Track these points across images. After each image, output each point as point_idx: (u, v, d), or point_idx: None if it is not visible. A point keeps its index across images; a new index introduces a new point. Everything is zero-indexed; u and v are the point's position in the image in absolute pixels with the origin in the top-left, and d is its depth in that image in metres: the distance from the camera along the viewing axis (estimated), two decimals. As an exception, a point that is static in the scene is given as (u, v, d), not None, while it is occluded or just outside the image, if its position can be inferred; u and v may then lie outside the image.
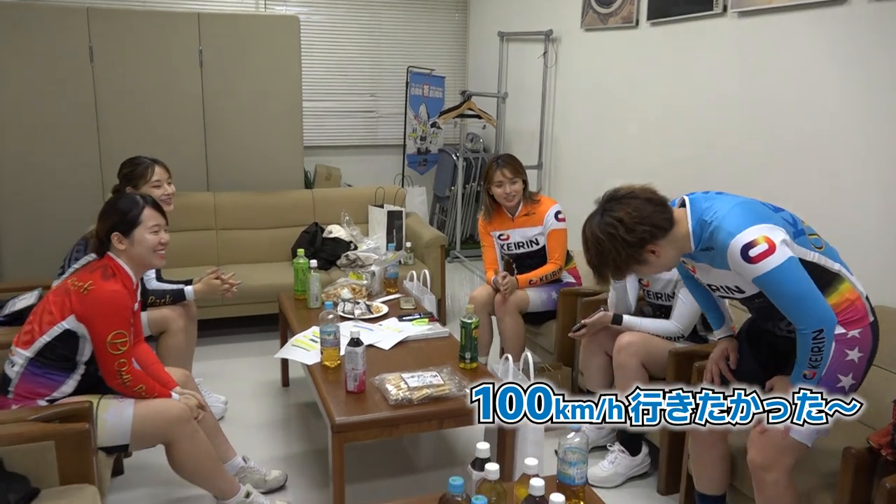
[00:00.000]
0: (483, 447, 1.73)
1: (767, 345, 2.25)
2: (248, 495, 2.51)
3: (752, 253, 1.86)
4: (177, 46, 4.49)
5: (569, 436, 1.82)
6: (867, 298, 2.03)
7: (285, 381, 3.70)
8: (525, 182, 3.45)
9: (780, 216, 1.98)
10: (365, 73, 6.31)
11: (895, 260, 2.63)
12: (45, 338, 2.21)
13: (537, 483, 1.58)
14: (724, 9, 3.39)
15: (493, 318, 3.51)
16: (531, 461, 1.68)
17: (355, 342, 2.47)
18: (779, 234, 1.88)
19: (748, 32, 3.27)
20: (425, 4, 6.34)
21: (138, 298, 2.48)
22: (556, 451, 2.72)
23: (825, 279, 1.97)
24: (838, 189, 2.84)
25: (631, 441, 2.85)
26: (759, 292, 1.98)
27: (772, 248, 1.85)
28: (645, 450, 2.88)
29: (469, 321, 2.68)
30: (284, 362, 3.70)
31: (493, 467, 1.64)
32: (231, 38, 4.58)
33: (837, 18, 2.82)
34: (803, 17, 2.97)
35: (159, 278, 3.28)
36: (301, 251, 3.55)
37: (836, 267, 2.01)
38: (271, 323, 4.20)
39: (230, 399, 3.44)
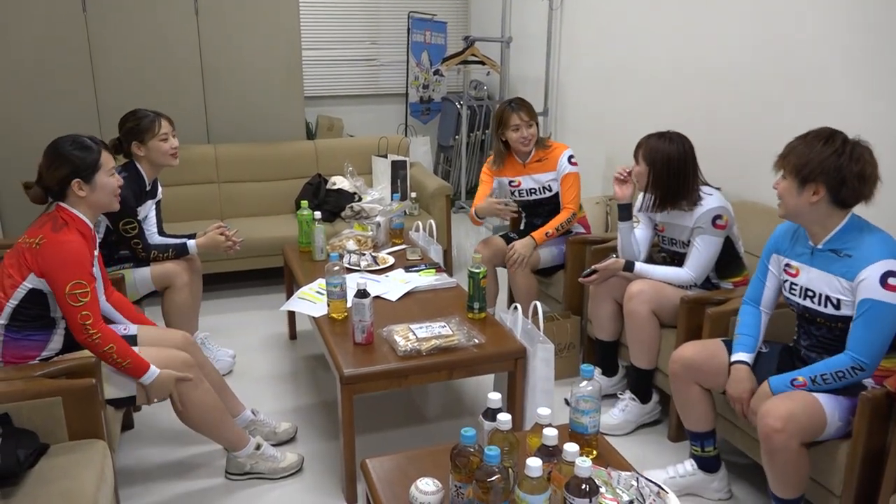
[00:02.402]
0: (495, 397, 1.70)
1: (793, 368, 2.19)
2: (258, 447, 2.51)
3: (891, 281, 1.93)
4: (171, -6, 4.36)
5: (581, 384, 1.80)
6: None
7: (293, 334, 3.69)
8: (538, 126, 3.37)
9: None
10: (365, 20, 6.15)
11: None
12: (13, 301, 2.15)
13: (551, 433, 1.56)
14: (739, -57, 3.24)
15: (498, 269, 3.46)
16: (544, 410, 1.65)
17: (362, 294, 2.44)
18: None
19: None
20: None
21: (97, 239, 2.42)
22: (566, 401, 2.72)
23: None
24: (850, 126, 2.75)
25: (642, 389, 2.83)
26: (843, 316, 2.03)
27: None
28: (655, 397, 2.87)
29: (477, 271, 2.63)
30: (291, 315, 3.68)
31: (505, 417, 1.61)
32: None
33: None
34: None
35: (161, 233, 3.24)
36: (305, 203, 3.49)
37: None
38: (277, 276, 4.18)
39: (238, 353, 3.43)
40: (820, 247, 2.08)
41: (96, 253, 2.35)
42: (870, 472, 1.95)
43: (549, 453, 1.56)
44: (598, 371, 3.05)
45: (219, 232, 3.18)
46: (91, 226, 2.30)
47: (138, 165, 3.04)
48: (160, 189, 3.26)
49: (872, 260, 1.95)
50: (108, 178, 2.29)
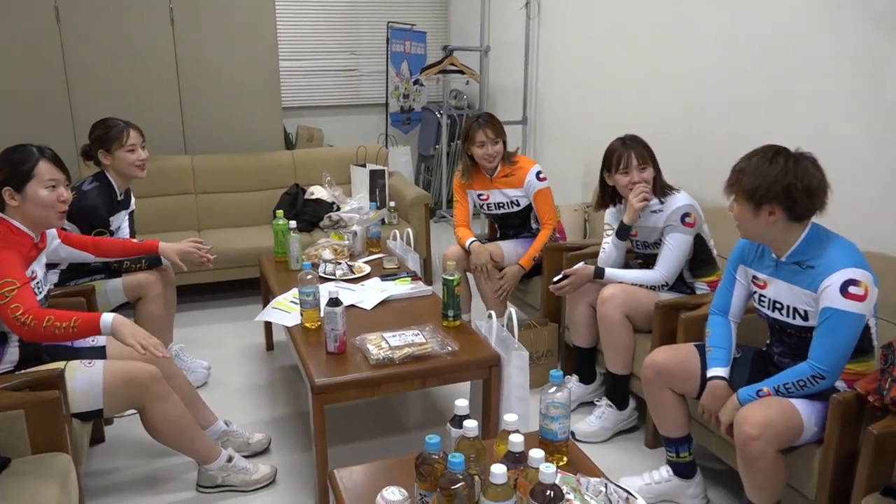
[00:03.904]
0: (461, 404, 1.68)
1: (766, 373, 2.19)
2: (230, 459, 2.48)
3: (851, 290, 1.93)
4: (146, 4, 4.33)
5: (550, 390, 1.78)
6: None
7: (269, 345, 3.65)
8: (505, 142, 3.36)
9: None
10: (344, 30, 6.15)
11: (888, 202, 2.56)
12: None
13: (516, 439, 1.54)
14: (712, -51, 3.26)
15: (468, 274, 3.46)
16: (510, 417, 1.63)
17: (334, 302, 2.41)
18: (875, 291, 1.97)
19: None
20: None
21: (52, 240, 2.40)
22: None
23: (863, 347, 2.03)
24: (826, 124, 2.76)
25: (618, 395, 2.82)
26: (813, 327, 2.02)
27: (864, 298, 1.93)
28: (632, 404, 2.86)
29: (451, 278, 2.62)
30: (268, 326, 3.65)
31: (471, 424, 1.59)
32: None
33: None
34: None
35: (134, 243, 3.20)
36: (280, 213, 3.47)
37: (875, 343, 2.08)
38: (254, 287, 4.14)
39: (213, 365, 3.39)
40: (783, 260, 2.09)
41: (48, 250, 2.29)
42: (843, 475, 1.94)
43: (516, 460, 1.54)
44: (575, 378, 3.04)
45: (193, 246, 3.14)
46: (32, 234, 2.22)
47: (108, 175, 3.00)
48: (133, 199, 3.22)
49: (834, 269, 1.96)
50: (43, 191, 2.17)
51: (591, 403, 2.96)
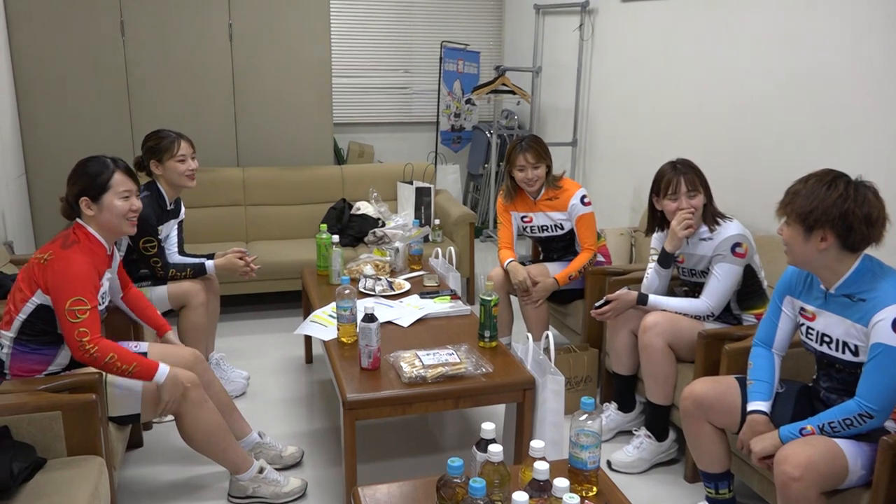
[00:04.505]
0: (488, 427, 1.65)
1: (812, 410, 2.11)
2: (261, 470, 2.49)
3: None
4: (206, 20, 4.46)
5: (581, 418, 1.73)
6: None
7: (308, 358, 3.67)
8: (549, 166, 3.31)
9: None
10: (398, 49, 6.21)
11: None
12: (21, 315, 2.16)
13: (541, 466, 1.50)
14: (768, -27, 3.20)
15: (512, 297, 3.42)
16: (537, 443, 1.59)
17: (369, 318, 2.41)
18: None
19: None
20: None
21: (118, 257, 2.44)
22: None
23: None
24: (886, 162, 2.66)
25: (657, 426, 2.74)
26: (860, 363, 1.94)
27: None
28: (672, 435, 2.77)
29: (488, 298, 2.59)
30: (308, 339, 3.67)
31: (496, 448, 1.56)
32: (261, 11, 4.53)
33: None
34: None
35: (182, 252, 3.27)
36: (324, 226, 3.50)
37: None
38: (296, 300, 4.18)
39: (252, 375, 3.43)
40: (832, 292, 2.00)
41: (114, 267, 2.37)
42: (891, 523, 1.84)
43: (540, 488, 1.50)
44: (614, 406, 2.97)
45: (238, 256, 3.20)
46: (106, 245, 2.32)
47: (159, 185, 3.08)
48: (183, 209, 3.30)
49: (886, 304, 1.87)
50: (118, 201, 2.27)
51: (629, 433, 2.88)
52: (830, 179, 1.93)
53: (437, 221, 4.40)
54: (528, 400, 2.42)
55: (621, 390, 2.95)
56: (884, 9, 2.64)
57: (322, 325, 2.84)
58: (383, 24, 6.11)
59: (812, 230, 1.93)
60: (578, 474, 1.74)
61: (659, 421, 2.73)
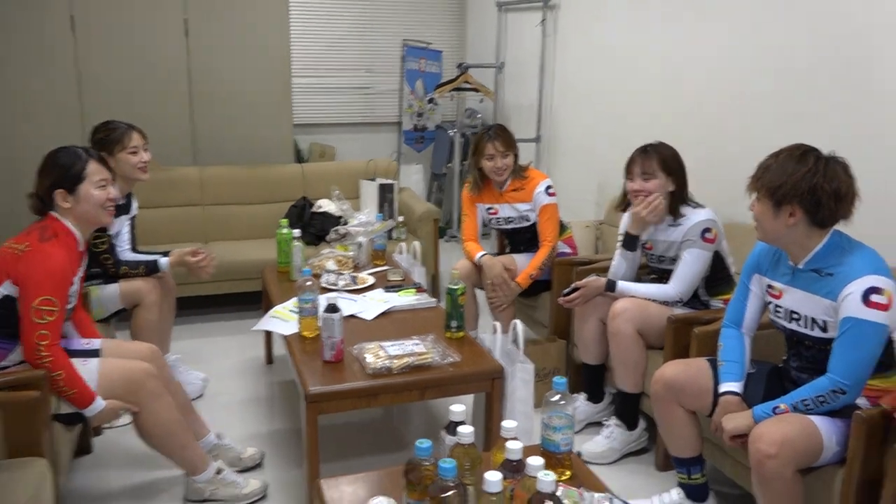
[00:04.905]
0: (458, 409, 1.58)
1: (783, 390, 2.08)
2: (219, 472, 2.38)
3: (874, 298, 1.82)
4: (161, 16, 4.33)
5: (553, 398, 1.67)
6: None
7: (269, 359, 3.56)
8: (516, 155, 3.28)
9: None
10: (359, 48, 6.13)
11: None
12: None
13: (514, 446, 1.43)
14: (730, -38, 3.20)
15: (477, 290, 3.35)
16: (509, 423, 1.53)
17: (332, 308, 2.32)
18: None
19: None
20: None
21: (83, 267, 2.32)
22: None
23: (887, 361, 1.92)
24: (850, 137, 2.65)
25: (628, 415, 2.69)
26: (832, 339, 1.90)
27: (888, 307, 1.82)
28: (642, 424, 2.73)
29: (455, 287, 2.52)
30: (268, 339, 3.56)
31: (466, 430, 1.49)
32: (217, 7, 4.42)
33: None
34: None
35: (135, 250, 3.14)
36: (284, 221, 3.40)
37: None
38: (257, 301, 4.05)
39: (210, 377, 3.30)
40: (801, 267, 1.98)
41: (80, 273, 2.26)
42: (867, 498, 1.81)
43: (513, 469, 1.43)
44: (583, 397, 2.91)
45: (191, 253, 3.08)
46: (80, 239, 2.23)
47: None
48: (135, 205, 3.17)
49: (855, 276, 1.85)
50: (95, 190, 2.21)
51: (599, 424, 2.82)
52: (801, 154, 1.91)
53: (400, 218, 4.32)
54: (496, 389, 2.36)
55: (590, 380, 2.90)
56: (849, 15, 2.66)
57: (283, 320, 2.74)
58: (344, 23, 6.02)
59: (781, 205, 1.90)
60: (551, 457, 1.67)
61: (629, 409, 2.69)
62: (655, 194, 2.61)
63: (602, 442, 2.68)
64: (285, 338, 2.59)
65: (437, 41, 6.11)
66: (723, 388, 2.11)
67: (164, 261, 3.03)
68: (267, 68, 4.58)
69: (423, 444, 1.41)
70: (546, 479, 1.29)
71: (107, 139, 2.92)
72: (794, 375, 2.09)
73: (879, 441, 1.80)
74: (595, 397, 2.91)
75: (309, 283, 2.55)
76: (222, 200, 4.45)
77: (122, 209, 3.04)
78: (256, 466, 2.63)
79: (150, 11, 4.30)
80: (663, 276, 2.75)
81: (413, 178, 5.94)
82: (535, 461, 1.36)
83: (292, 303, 2.84)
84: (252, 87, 4.58)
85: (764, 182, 1.93)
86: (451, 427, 1.56)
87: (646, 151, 2.67)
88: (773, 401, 1.95)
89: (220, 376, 3.37)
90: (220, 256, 4.00)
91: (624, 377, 2.63)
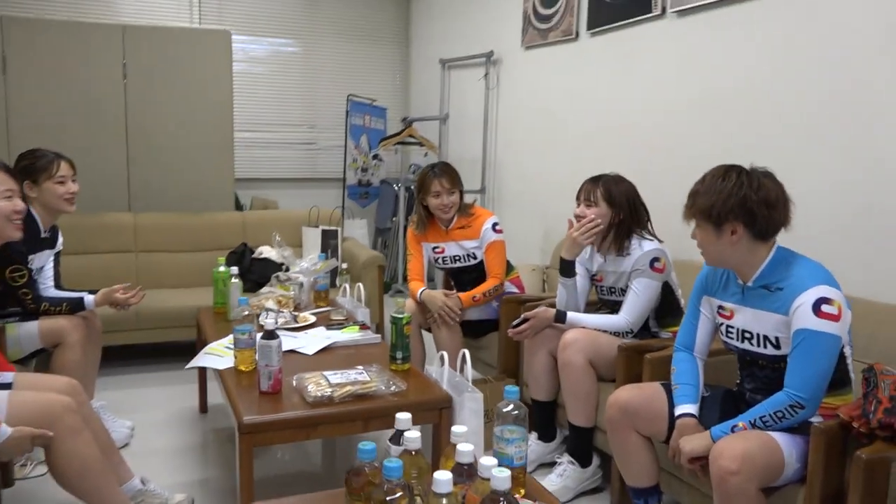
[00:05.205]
0: (403, 416, 1.47)
1: (738, 412, 2.02)
2: (142, 517, 2.16)
3: (824, 308, 1.81)
4: (98, 59, 4.24)
5: (506, 408, 1.57)
6: None
7: (203, 408, 3.35)
8: (461, 193, 3.25)
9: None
10: (304, 103, 6.13)
11: (846, 244, 2.49)
12: None
13: (465, 448, 1.32)
14: (663, 10, 3.33)
15: (424, 331, 3.25)
16: (459, 428, 1.42)
17: (270, 335, 2.19)
18: (848, 314, 1.87)
19: (689, 31, 3.19)
20: (366, 35, 6.24)
21: None
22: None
23: (840, 378, 1.90)
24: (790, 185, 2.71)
25: (581, 451, 2.59)
26: (786, 356, 1.88)
27: (839, 317, 1.81)
28: (596, 461, 2.63)
29: (400, 316, 2.43)
30: (203, 387, 3.35)
31: (413, 434, 1.38)
32: (157, 52, 4.36)
33: (775, 5, 2.75)
34: (744, 9, 2.90)
35: (59, 287, 2.96)
36: (221, 259, 3.26)
37: (853, 376, 1.94)
38: (191, 352, 3.86)
39: (139, 427, 3.07)
40: (750, 285, 1.97)
41: None
42: (830, 515, 1.75)
43: (465, 473, 1.32)
44: (534, 436, 2.81)
45: (120, 290, 2.92)
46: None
47: (32, 209, 2.78)
48: (60, 240, 3.00)
49: (804, 288, 1.84)
50: (1, 202, 2.17)
51: (551, 464, 2.71)
52: (724, 172, 1.93)
53: (344, 265, 4.21)
54: (444, 420, 2.24)
55: (541, 418, 2.80)
56: (780, 30, 2.76)
57: (217, 355, 2.59)
58: (289, 78, 6.04)
59: (721, 225, 1.90)
60: (504, 472, 1.56)
61: (582, 445, 2.59)
62: (592, 217, 2.60)
63: (556, 480, 2.56)
64: (219, 372, 2.43)
65: (381, 97, 6.16)
66: (679, 410, 2.04)
67: (89, 298, 2.85)
68: (209, 117, 4.51)
69: (367, 446, 1.30)
70: (501, 475, 1.18)
71: (32, 167, 2.78)
72: (749, 397, 2.05)
73: (839, 454, 1.75)
74: (546, 436, 2.80)
75: (246, 313, 2.42)
76: (157, 247, 4.28)
77: (46, 243, 2.88)
78: (184, 513, 2.41)
79: (86, 54, 4.21)
80: (615, 310, 2.71)
81: (357, 233, 5.86)
82: (488, 461, 1.26)
83: (228, 339, 2.69)
84: (193, 135, 4.48)
85: (697, 207, 1.94)
86: (397, 436, 1.44)
87: (595, 180, 2.68)
88: (731, 420, 1.90)
89: (150, 426, 3.15)
90: (152, 304, 3.84)
91: (576, 410, 2.55)
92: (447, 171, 3.19)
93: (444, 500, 1.19)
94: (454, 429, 1.42)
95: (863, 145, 2.45)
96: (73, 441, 2.02)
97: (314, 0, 6.01)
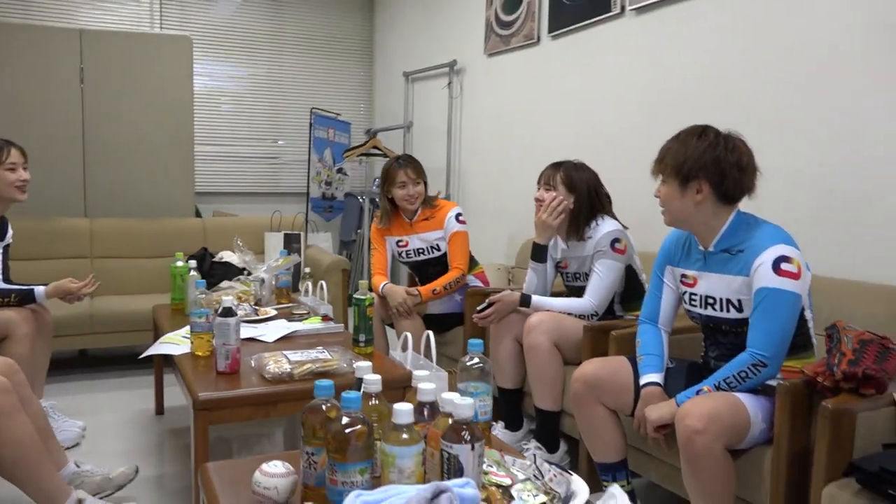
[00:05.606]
0: (363, 364, 1.42)
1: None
2: (80, 502, 2.05)
3: (784, 266, 1.81)
4: (55, 63, 4.16)
5: (469, 362, 1.54)
6: None
7: (159, 409, 3.24)
8: (426, 184, 3.24)
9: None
10: (267, 116, 6.09)
11: (819, 232, 2.52)
12: None
13: (426, 386, 1.28)
14: (622, 9, 3.39)
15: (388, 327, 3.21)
16: (421, 372, 1.38)
17: (227, 312, 2.13)
18: (808, 275, 1.88)
19: (649, 28, 3.25)
20: (330, 49, 6.24)
21: None
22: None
23: (802, 342, 1.92)
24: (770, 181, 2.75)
25: (548, 436, 2.56)
26: (746, 319, 1.89)
27: (799, 275, 1.82)
28: (564, 446, 2.60)
29: (363, 298, 2.38)
30: (159, 389, 3.25)
31: (373, 378, 1.33)
32: (116, 57, 4.29)
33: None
34: (702, 3, 2.96)
35: (7, 280, 2.85)
36: (180, 254, 3.19)
37: (814, 341, 1.95)
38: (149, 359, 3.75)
39: (91, 430, 2.96)
40: (711, 249, 1.97)
41: None
42: (797, 474, 1.73)
43: (427, 413, 1.27)
44: (500, 425, 2.76)
45: (71, 282, 2.83)
46: None
47: None
48: (10, 232, 2.90)
49: (764, 247, 1.85)
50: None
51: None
52: (700, 131, 1.94)
53: (307, 270, 4.14)
54: (408, 400, 2.18)
55: (508, 406, 2.75)
56: (739, 22, 2.82)
57: (175, 344, 2.51)
58: (251, 92, 6.00)
59: (687, 182, 1.91)
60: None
61: (549, 430, 2.55)
62: (557, 195, 2.60)
63: (521, 465, 2.51)
64: (175, 358, 2.35)
65: (345, 111, 6.15)
66: (644, 379, 2.02)
67: (40, 289, 2.76)
68: (169, 123, 4.44)
69: (324, 382, 1.25)
70: (463, 402, 1.14)
71: (-19, 153, 2.69)
72: (714, 366, 2.04)
73: (805, 412, 1.75)
74: (513, 425, 2.76)
75: (203, 296, 2.36)
76: (113, 253, 4.17)
77: (-5, 234, 2.78)
78: (131, 482, 2.31)
79: (43, 58, 4.13)
80: (580, 295, 2.69)
81: (322, 246, 5.79)
82: (450, 395, 1.22)
83: (185, 329, 2.61)
84: (153, 141, 4.40)
85: (668, 161, 1.94)
86: (358, 384, 1.40)
87: (556, 165, 2.69)
88: (696, 385, 1.88)
89: (103, 428, 3.03)
90: (108, 307, 3.73)
91: (542, 394, 2.51)
92: (412, 162, 3.18)
93: (405, 433, 1.14)
94: (416, 372, 1.38)
95: (824, 133, 2.49)
96: (8, 423, 1.92)
97: (278, 13, 6.01)
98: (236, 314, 2.15)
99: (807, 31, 2.53)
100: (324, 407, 1.23)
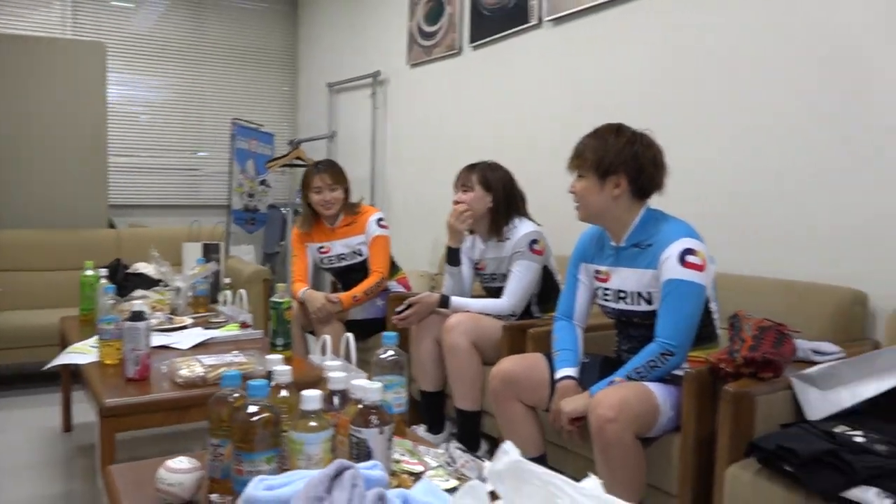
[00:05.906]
0: (273, 357, 1.40)
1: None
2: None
3: (689, 259, 1.89)
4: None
5: (384, 354, 1.54)
6: None
7: (67, 426, 3.10)
8: (347, 191, 3.22)
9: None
10: (186, 127, 5.95)
11: (726, 231, 2.63)
12: None
13: (336, 375, 1.27)
14: (540, 20, 3.48)
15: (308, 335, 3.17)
16: (333, 362, 1.37)
17: (137, 316, 2.06)
18: (713, 268, 1.96)
19: (566, 38, 3.34)
20: (252, 59, 6.16)
21: None
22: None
23: (707, 333, 1.99)
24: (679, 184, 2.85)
25: (468, 437, 2.57)
26: (655, 311, 1.95)
27: (703, 267, 1.90)
28: (485, 446, 2.61)
29: (280, 301, 2.34)
30: (66, 405, 3.11)
31: (283, 369, 1.31)
32: (25, 62, 4.13)
33: (647, 7, 2.93)
34: (617, 14, 3.06)
35: None
36: (90, 263, 3.07)
37: (719, 333, 2.03)
38: (54, 378, 3.58)
39: (-8, 446, 2.81)
40: (623, 245, 2.04)
41: None
42: (704, 459, 1.79)
43: (337, 402, 1.26)
44: (423, 428, 2.76)
45: None
46: None
47: None
48: None
49: (670, 241, 1.93)
50: None
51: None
52: (616, 128, 2.01)
53: (227, 280, 4.05)
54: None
55: (429, 408, 2.76)
56: (655, 30, 2.94)
57: (81, 353, 2.40)
58: (170, 102, 5.86)
59: (607, 176, 1.97)
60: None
61: (469, 430, 2.57)
62: (463, 203, 2.65)
63: (443, 467, 2.51)
64: (82, 367, 2.25)
65: (268, 122, 6.06)
66: (559, 374, 2.07)
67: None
68: (81, 131, 4.28)
69: (231, 373, 1.22)
70: (371, 386, 1.14)
71: None
72: (626, 358, 2.09)
73: (710, 399, 1.81)
74: (435, 427, 2.76)
75: (112, 301, 2.27)
76: (19, 266, 3.99)
77: None
78: None
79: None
80: (498, 297, 2.73)
81: (245, 259, 5.68)
82: (360, 381, 1.22)
83: (93, 339, 2.51)
84: (64, 149, 4.24)
85: (588, 156, 2.00)
86: (268, 377, 1.37)
87: (471, 167, 2.73)
88: (608, 377, 1.93)
89: (5, 446, 2.88)
90: (11, 322, 3.56)
91: (462, 394, 2.53)
92: (330, 168, 3.16)
93: (313, 419, 1.13)
94: (327, 363, 1.37)
95: (726, 138, 2.61)
96: None
97: (200, 24, 5.90)
98: (146, 318, 2.08)
99: (724, 38, 2.62)
100: (230, 399, 1.20)
